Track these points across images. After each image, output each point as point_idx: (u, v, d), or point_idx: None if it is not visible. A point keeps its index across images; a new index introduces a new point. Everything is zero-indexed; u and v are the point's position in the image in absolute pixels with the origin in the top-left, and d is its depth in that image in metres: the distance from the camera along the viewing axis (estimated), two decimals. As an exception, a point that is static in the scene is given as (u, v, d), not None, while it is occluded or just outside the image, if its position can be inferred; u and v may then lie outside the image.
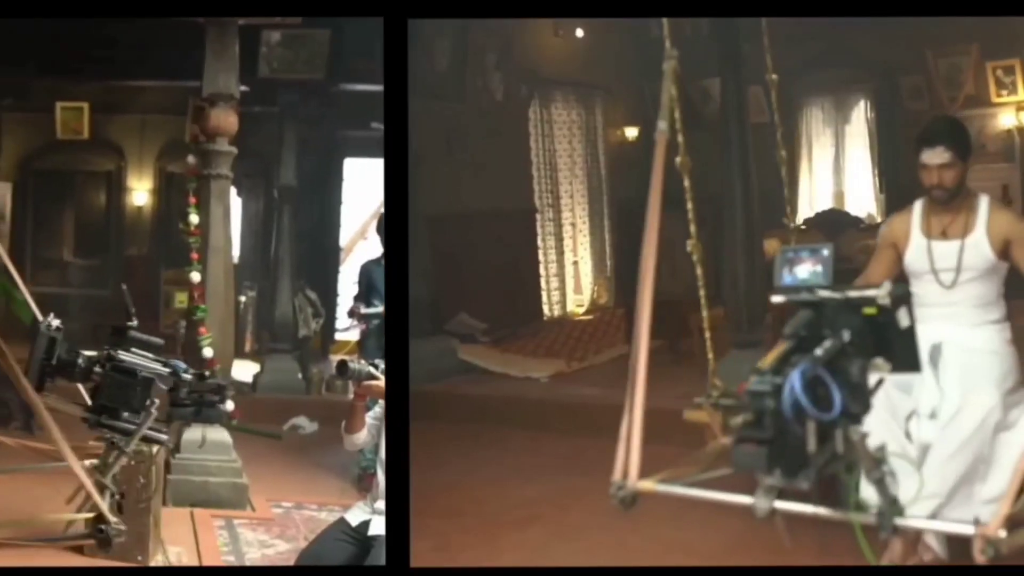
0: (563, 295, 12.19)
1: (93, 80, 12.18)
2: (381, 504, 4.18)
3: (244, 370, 10.26)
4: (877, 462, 2.41)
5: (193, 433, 6.36)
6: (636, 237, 3.19)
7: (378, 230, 7.45)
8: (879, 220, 11.12)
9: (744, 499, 2.47)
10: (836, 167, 12.79)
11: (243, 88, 7.10)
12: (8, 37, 9.35)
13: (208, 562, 5.24)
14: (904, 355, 2.52)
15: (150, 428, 4.83)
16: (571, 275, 12.43)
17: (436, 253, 9.28)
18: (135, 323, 4.91)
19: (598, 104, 12.85)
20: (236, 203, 10.96)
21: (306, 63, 10.25)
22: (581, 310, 12.43)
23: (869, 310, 2.51)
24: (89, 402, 4.89)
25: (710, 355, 4.06)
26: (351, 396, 4.44)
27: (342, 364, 4.24)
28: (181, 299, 11.70)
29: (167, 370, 4.90)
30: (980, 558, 2.67)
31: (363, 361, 4.36)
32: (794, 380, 2.26)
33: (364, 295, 7.60)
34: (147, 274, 13.67)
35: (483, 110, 10.70)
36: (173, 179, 13.46)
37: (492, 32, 10.48)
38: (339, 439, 4.42)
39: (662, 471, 2.95)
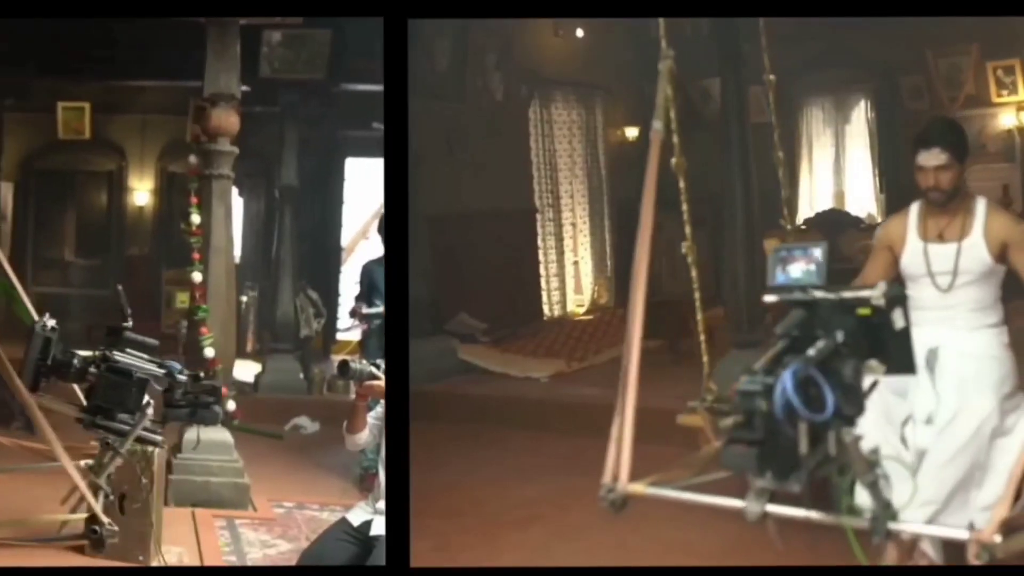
0: (563, 295, 12.19)
1: (94, 80, 12.19)
2: (383, 504, 4.19)
3: (246, 370, 10.28)
4: (870, 465, 2.38)
5: (194, 433, 6.38)
6: (636, 237, 3.20)
7: (379, 230, 7.46)
8: (879, 220, 11.11)
9: (735, 503, 2.46)
10: (836, 167, 12.79)
11: (244, 88, 7.12)
12: (9, 37, 9.38)
13: (209, 562, 5.25)
14: (899, 357, 2.49)
15: (145, 429, 4.84)
16: (571, 275, 12.43)
17: (436, 253, 9.29)
18: (130, 324, 4.91)
19: (598, 104, 12.85)
20: (237, 203, 10.95)
21: (307, 63, 10.26)
22: (581, 310, 12.43)
23: (863, 311, 2.48)
24: (84, 402, 4.90)
25: (705, 358, 4.05)
26: (353, 396, 4.45)
27: (343, 364, 4.25)
28: (182, 299, 11.70)
29: (162, 371, 4.90)
30: (975, 563, 2.67)
31: (364, 361, 4.36)
32: (786, 380, 2.23)
33: (366, 295, 7.61)
34: (148, 274, 13.68)
35: (483, 110, 10.71)
36: (174, 179, 13.47)
37: (492, 32, 10.48)
38: (341, 439, 4.42)
39: (659, 472, 2.96)
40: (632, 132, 13.08)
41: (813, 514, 2.48)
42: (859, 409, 2.40)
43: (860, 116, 12.59)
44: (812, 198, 12.83)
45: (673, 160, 3.69)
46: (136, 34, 9.68)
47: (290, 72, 10.24)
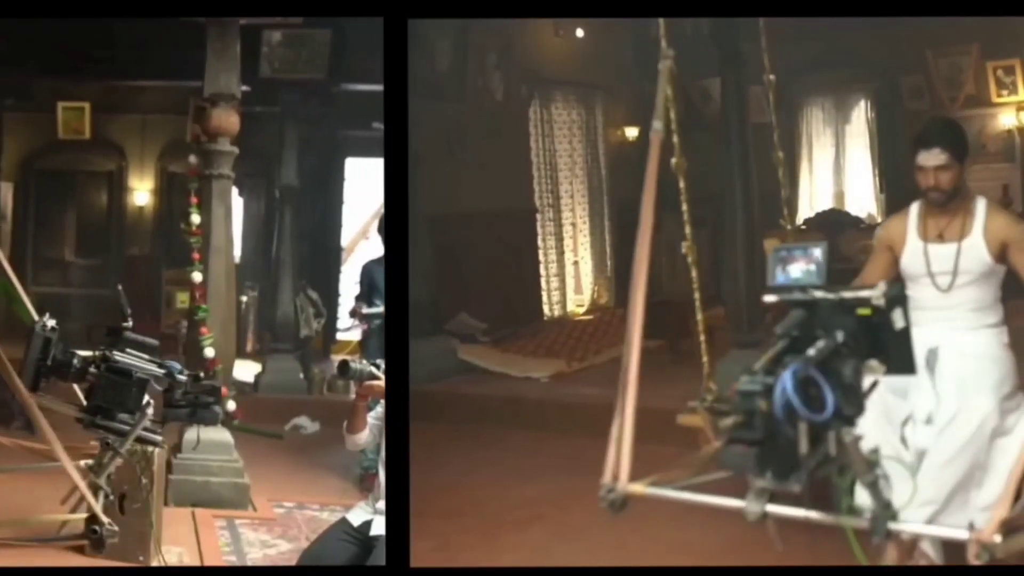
0: (563, 295, 12.19)
1: (94, 80, 12.19)
2: (383, 504, 4.19)
3: (246, 370, 10.27)
4: (870, 465, 2.38)
5: (194, 433, 6.38)
6: (636, 237, 3.19)
7: (379, 230, 7.46)
8: (879, 220, 11.12)
9: (735, 503, 2.45)
10: (836, 167, 12.80)
11: (244, 88, 7.11)
12: (9, 37, 9.37)
13: (210, 562, 5.25)
14: (899, 357, 2.48)
15: (145, 429, 4.84)
16: (571, 275, 12.43)
17: (436, 253, 9.29)
18: (130, 324, 4.91)
19: (598, 104, 12.85)
20: (237, 203, 10.95)
21: (307, 63, 10.26)
22: (581, 310, 12.43)
23: (863, 311, 2.48)
24: (84, 402, 4.90)
25: (705, 358, 4.04)
26: (353, 396, 4.45)
27: (344, 364, 4.25)
28: (183, 299, 11.70)
29: (162, 371, 4.90)
30: (975, 563, 2.66)
31: (364, 361, 4.35)
32: (786, 380, 2.22)
33: (366, 295, 7.61)
34: (148, 274, 13.67)
35: (483, 110, 10.71)
36: (174, 179, 13.46)
37: (492, 32, 10.49)
38: (341, 439, 4.42)
39: (659, 472, 2.96)
40: (632, 132, 13.08)
41: (813, 514, 2.48)
42: (859, 409, 2.39)
43: (860, 116, 12.60)
44: (812, 198, 12.84)
45: (673, 160, 3.68)
46: (136, 34, 9.69)
47: (290, 72, 10.23)
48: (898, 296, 2.52)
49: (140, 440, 4.85)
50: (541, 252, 11.83)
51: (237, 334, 7.81)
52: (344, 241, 14.35)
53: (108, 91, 12.97)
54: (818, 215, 12.12)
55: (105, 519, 4.79)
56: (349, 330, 11.08)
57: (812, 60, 11.75)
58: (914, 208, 4.16)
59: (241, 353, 10.18)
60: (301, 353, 10.77)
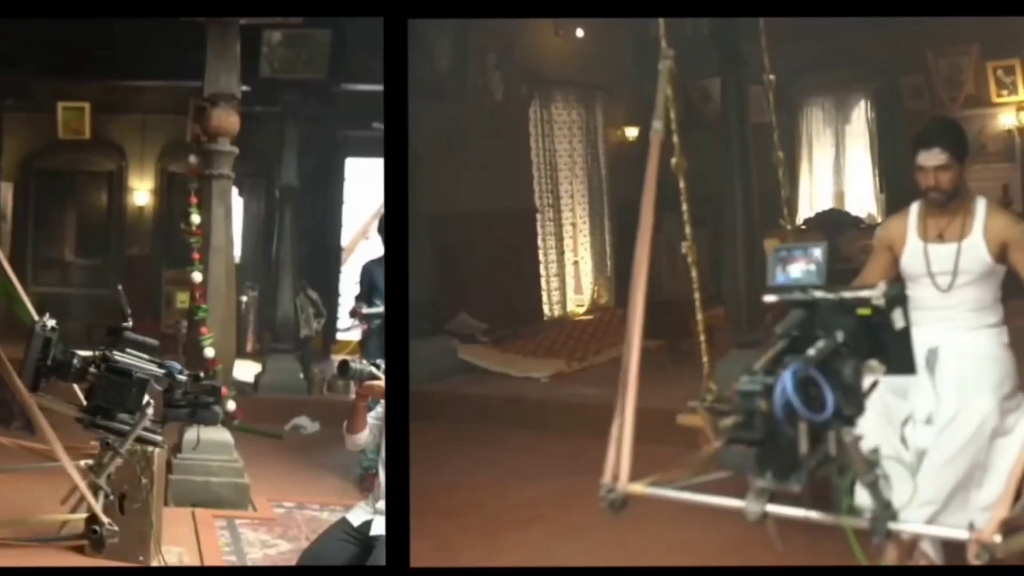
0: (563, 295, 12.19)
1: (94, 80, 12.20)
2: (383, 504, 4.19)
3: (246, 370, 10.28)
4: (870, 465, 2.37)
5: (194, 433, 6.38)
6: (636, 237, 3.19)
7: (379, 230, 7.46)
8: (879, 220, 11.12)
9: (735, 503, 2.45)
10: (836, 167, 12.80)
11: (244, 88, 7.11)
12: (9, 37, 9.38)
13: (210, 562, 5.25)
14: (899, 357, 2.48)
15: (145, 429, 4.84)
16: (571, 275, 12.43)
17: (436, 253, 9.29)
18: (130, 324, 4.91)
19: (598, 104, 12.85)
20: (237, 203, 10.94)
21: (307, 63, 10.26)
22: (581, 310, 12.43)
23: (863, 311, 2.48)
24: (84, 403, 4.90)
25: (705, 358, 4.04)
26: (353, 396, 4.45)
27: (344, 364, 4.25)
28: (183, 299, 11.70)
29: (162, 371, 4.90)
30: (975, 563, 2.66)
31: (365, 361, 4.35)
32: (786, 380, 2.22)
33: (366, 295, 7.61)
34: (148, 274, 13.68)
35: (483, 110, 10.71)
36: (174, 179, 13.46)
37: (492, 32, 10.49)
38: (341, 439, 4.42)
39: (658, 472, 2.96)
40: (632, 132, 13.08)
41: (813, 514, 2.48)
42: (859, 409, 2.39)
43: (860, 116, 12.60)
44: (812, 198, 12.84)
45: (673, 160, 3.68)
46: (136, 34, 9.69)
47: (290, 72, 10.23)
48: (898, 296, 2.52)
49: (140, 440, 4.85)
50: (541, 252, 11.83)
51: (237, 334, 7.81)
52: (344, 241, 14.35)
53: (108, 91, 12.97)
54: (818, 215, 12.12)
55: (105, 519, 4.79)
56: (349, 330, 11.08)
57: (812, 60, 11.75)
58: (914, 208, 4.16)
59: (241, 353, 10.19)
60: (301, 353, 10.77)
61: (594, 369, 9.00)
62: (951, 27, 10.21)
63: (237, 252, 9.59)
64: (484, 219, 10.48)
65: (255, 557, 5.56)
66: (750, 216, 7.28)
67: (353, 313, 7.83)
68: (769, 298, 2.71)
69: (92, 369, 4.77)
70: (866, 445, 2.40)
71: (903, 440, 3.89)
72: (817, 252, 2.71)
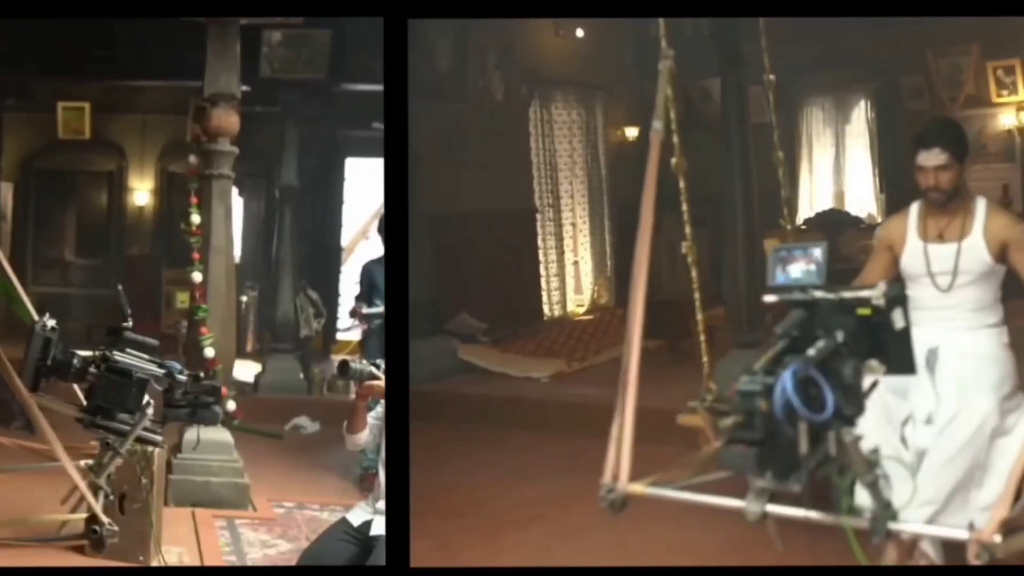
0: (563, 295, 12.19)
1: (94, 80, 12.19)
2: (383, 504, 4.19)
3: (246, 370, 10.28)
4: (870, 465, 2.37)
5: (195, 433, 6.38)
6: (636, 237, 3.19)
7: (379, 230, 7.46)
8: (879, 220, 11.12)
9: (735, 503, 2.44)
10: (836, 167, 12.81)
11: (244, 88, 7.12)
12: (9, 37, 9.37)
13: (210, 562, 5.25)
14: (899, 357, 2.47)
15: (145, 429, 4.84)
16: (571, 275, 12.43)
17: (437, 253, 9.29)
18: (130, 324, 4.92)
19: (598, 104, 12.85)
20: (237, 203, 10.94)
21: (307, 63, 10.26)
22: (581, 310, 12.43)
23: (863, 311, 2.47)
24: (84, 403, 4.91)
25: (704, 359, 4.03)
26: (353, 396, 4.45)
27: (344, 364, 4.25)
28: (183, 299, 11.70)
29: (162, 371, 4.91)
30: (975, 564, 2.66)
31: (365, 361, 4.35)
32: (785, 380, 2.21)
33: (366, 295, 7.62)
34: (149, 274, 13.68)
35: (483, 110, 10.71)
36: (174, 179, 13.46)
37: (492, 32, 10.49)
38: (341, 439, 4.42)
39: (659, 472, 2.96)
40: (632, 132, 13.08)
41: (813, 514, 2.47)
42: (859, 409, 2.38)
43: (860, 116, 12.60)
44: (812, 198, 12.84)
45: (673, 160, 3.68)
46: (136, 34, 9.69)
47: (290, 72, 10.23)
48: (898, 296, 2.51)
49: (140, 440, 4.86)
50: (541, 252, 11.83)
51: (237, 334, 7.81)
52: (344, 241, 14.35)
53: (108, 91, 12.97)
54: (818, 215, 12.12)
55: (105, 519, 4.80)
56: (349, 330, 11.09)
57: (812, 60, 11.75)
58: (914, 208, 4.15)
59: (241, 353, 10.19)
60: (301, 353, 10.78)
61: (594, 369, 9.00)
62: (951, 27, 10.21)
63: (237, 252, 9.59)
64: (484, 219, 10.48)
65: (255, 557, 5.56)
66: (750, 216, 7.28)
67: (353, 313, 7.83)
68: (769, 298, 2.70)
69: (92, 369, 4.78)
70: (866, 445, 2.39)
71: (903, 440, 3.88)
72: (817, 252, 2.71)
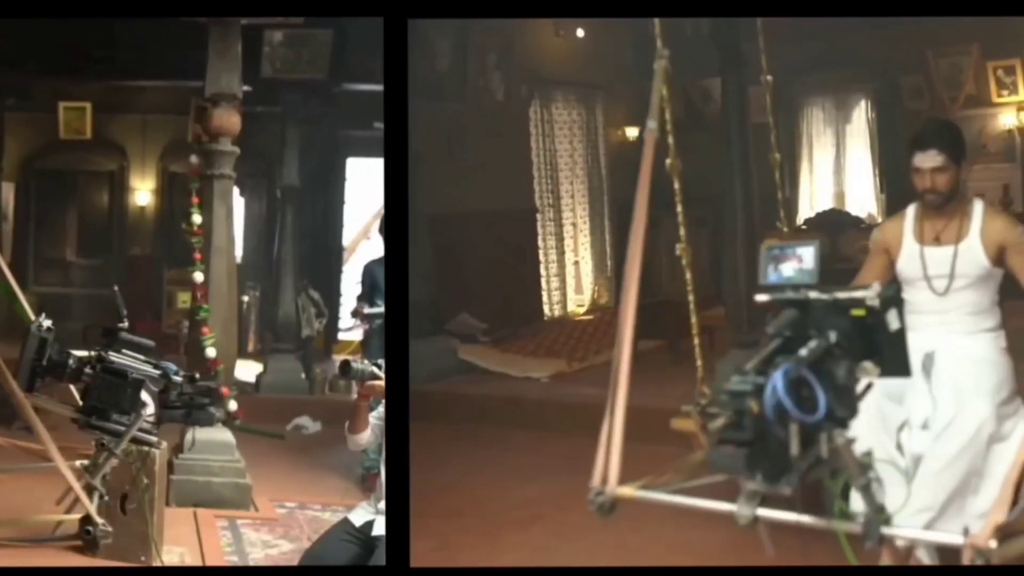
0: (564, 295, 12.20)
1: (95, 80, 12.19)
2: (384, 504, 4.20)
3: (247, 370, 10.29)
4: (863, 468, 2.33)
5: (195, 433, 6.39)
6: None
7: (380, 230, 7.47)
8: (880, 220, 11.11)
9: (726, 506, 2.42)
10: (836, 167, 12.81)
11: (246, 88, 7.13)
12: (9, 37, 9.38)
13: (211, 562, 5.26)
14: (893, 359, 2.43)
15: (140, 430, 4.85)
16: (572, 275, 12.44)
17: (437, 253, 9.30)
18: (126, 324, 4.92)
19: (598, 104, 12.85)
20: (239, 203, 10.98)
21: (308, 63, 10.26)
22: (582, 310, 12.44)
23: (857, 311, 2.43)
24: (80, 403, 4.91)
25: (699, 361, 3.98)
26: (354, 396, 4.46)
27: (345, 364, 4.24)
28: (184, 299, 11.68)
29: (157, 372, 4.91)
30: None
31: (366, 361, 4.35)
32: (776, 380, 2.17)
33: (367, 295, 7.62)
34: (150, 274, 13.70)
35: (483, 110, 10.72)
36: (176, 179, 13.48)
37: (492, 32, 10.50)
38: (342, 439, 4.42)
39: (653, 473, 2.95)
40: (632, 132, 13.09)
41: (805, 518, 2.44)
42: (852, 411, 2.34)
43: (860, 116, 12.61)
44: (812, 198, 12.85)
45: (668, 161, 3.66)
46: (137, 34, 9.68)
47: (291, 72, 10.24)
48: (893, 297, 2.46)
49: (136, 441, 4.86)
50: (541, 252, 11.84)
51: (239, 334, 7.83)
52: (345, 241, 14.36)
53: (109, 91, 12.98)
54: (818, 215, 12.11)
55: (99, 520, 4.80)
56: (351, 330, 11.11)
57: (812, 60, 11.75)
58: (911, 210, 4.09)
59: (243, 353, 10.20)
60: (303, 353, 10.79)
61: (594, 369, 8.99)
62: (951, 27, 10.22)
63: (238, 252, 9.58)
64: (484, 219, 10.49)
65: (257, 557, 5.57)
66: (750, 216, 7.29)
67: (355, 313, 7.84)
68: (761, 297, 2.65)
69: (88, 370, 4.78)
70: (859, 448, 2.36)
71: (899, 446, 3.83)
72: (810, 251, 2.67)
